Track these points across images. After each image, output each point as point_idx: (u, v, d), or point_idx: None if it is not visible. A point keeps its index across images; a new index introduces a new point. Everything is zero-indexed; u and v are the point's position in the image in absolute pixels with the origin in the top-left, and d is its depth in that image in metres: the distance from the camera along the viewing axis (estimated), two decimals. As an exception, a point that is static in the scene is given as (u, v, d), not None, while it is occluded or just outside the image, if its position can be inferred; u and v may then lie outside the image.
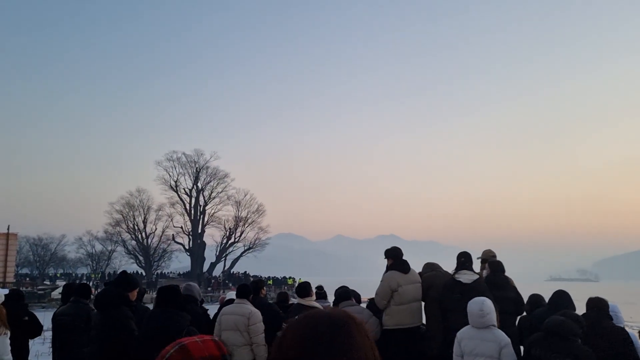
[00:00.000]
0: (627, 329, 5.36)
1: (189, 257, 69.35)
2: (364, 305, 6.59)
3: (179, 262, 76.80)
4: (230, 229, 69.88)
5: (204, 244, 69.17)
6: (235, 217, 70.18)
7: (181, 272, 72.46)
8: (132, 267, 67.89)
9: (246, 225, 70.46)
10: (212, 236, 70.76)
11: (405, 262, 6.06)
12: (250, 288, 6.15)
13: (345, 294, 6.13)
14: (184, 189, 69.10)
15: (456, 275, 5.82)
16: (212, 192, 70.39)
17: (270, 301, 7.31)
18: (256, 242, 70.98)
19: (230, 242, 69.94)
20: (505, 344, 4.33)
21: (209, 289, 55.69)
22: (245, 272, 67.15)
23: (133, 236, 66.14)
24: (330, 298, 7.11)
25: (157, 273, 67.25)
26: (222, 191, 70.59)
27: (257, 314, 5.83)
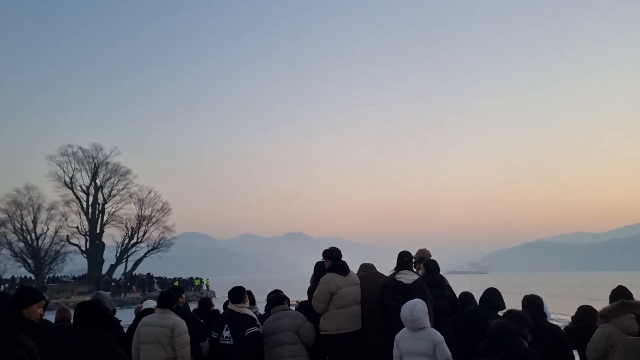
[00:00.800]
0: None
1: (85, 260, 64.84)
2: (293, 308, 6.21)
3: (74, 265, 71.72)
4: (132, 228, 66.59)
5: (102, 245, 65.12)
6: (138, 215, 66.94)
7: (76, 276, 67.43)
8: (19, 272, 62.13)
9: (150, 225, 67.39)
10: (112, 236, 66.70)
11: (344, 263, 5.73)
12: (174, 296, 5.50)
13: (278, 298, 5.70)
14: (80, 186, 64.61)
15: (397, 276, 5.60)
16: (112, 190, 66.66)
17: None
18: (161, 241, 68.10)
19: (132, 242, 66.51)
20: (438, 341, 4.48)
21: (109, 292, 52.28)
22: (149, 273, 64.00)
23: (21, 237, 60.38)
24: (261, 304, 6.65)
25: (49, 277, 62.08)
26: (123, 188, 67.07)
27: (182, 324, 5.19)
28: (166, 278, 63.01)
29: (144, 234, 67.22)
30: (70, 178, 63.67)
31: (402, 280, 5.51)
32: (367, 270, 6.06)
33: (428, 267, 6.12)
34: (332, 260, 5.71)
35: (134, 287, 56.73)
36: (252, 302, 6.71)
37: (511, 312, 4.79)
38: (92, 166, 65.00)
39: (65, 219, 63.02)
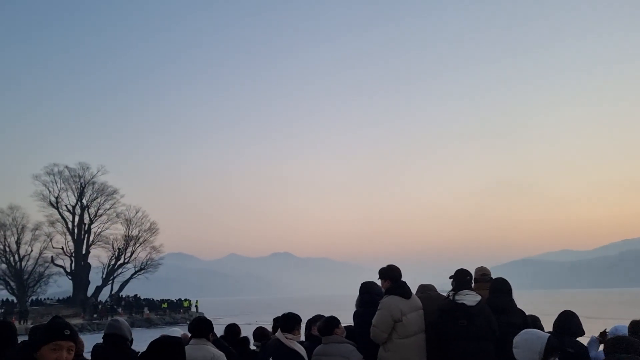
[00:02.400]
0: None
1: (70, 281, 62.89)
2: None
3: (58, 287, 69.48)
4: (119, 248, 64.84)
5: (88, 266, 63.40)
6: (125, 236, 65.27)
7: (61, 298, 65.38)
8: (1, 294, 59.90)
9: (137, 245, 65.76)
10: (98, 257, 64.93)
11: (405, 284, 4.99)
12: (210, 323, 4.73)
13: (330, 324, 4.79)
14: (65, 205, 62.98)
15: (457, 297, 4.85)
16: (98, 209, 65.09)
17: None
18: (148, 262, 66.44)
19: (119, 263, 64.73)
20: None
21: (95, 315, 50.57)
22: (136, 295, 62.24)
23: (3, 259, 58.33)
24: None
25: (32, 299, 59.99)
26: (110, 208, 65.53)
27: (222, 357, 4.45)
28: (154, 300, 61.30)
29: (131, 254, 65.64)
30: (56, 198, 62.19)
31: (464, 302, 4.80)
32: (425, 292, 5.33)
33: (494, 287, 5.28)
34: (391, 281, 4.97)
35: (120, 310, 54.98)
36: (235, 334, 5.97)
37: (626, 341, 4.02)
38: (79, 185, 63.68)
39: (50, 240, 61.24)
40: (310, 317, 5.69)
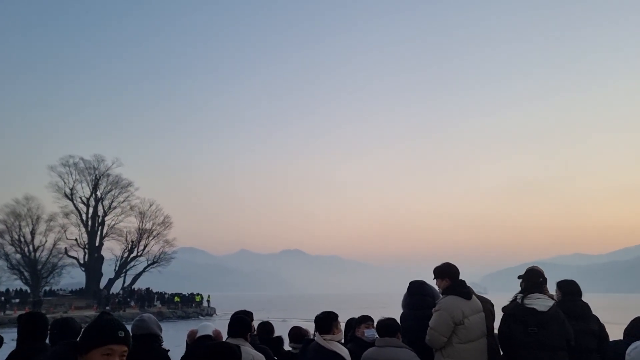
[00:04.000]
0: None
1: (83, 273, 63.15)
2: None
3: (71, 278, 69.79)
4: (132, 241, 64.87)
5: (101, 258, 63.62)
6: (139, 229, 65.34)
7: (74, 289, 65.68)
8: (15, 284, 60.30)
9: (151, 238, 65.78)
10: (111, 249, 65.15)
11: (465, 283, 4.48)
12: (249, 322, 4.27)
13: (390, 327, 4.28)
14: (80, 197, 63.18)
15: (527, 301, 4.31)
16: (112, 202, 65.21)
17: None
18: (161, 255, 66.41)
19: (132, 255, 64.84)
20: None
21: (107, 307, 50.54)
22: (149, 288, 62.29)
23: (18, 249, 58.66)
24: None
25: (45, 290, 60.30)
26: (124, 201, 65.66)
27: (259, 356, 3.99)
28: (166, 293, 61.31)
29: (144, 247, 65.73)
30: (71, 189, 62.44)
31: (534, 306, 4.25)
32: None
33: (566, 289, 4.73)
34: (450, 279, 4.46)
35: (132, 303, 54.99)
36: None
37: None
38: (93, 177, 63.78)
39: (64, 231, 61.55)
40: (351, 317, 5.20)
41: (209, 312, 58.30)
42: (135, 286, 64.56)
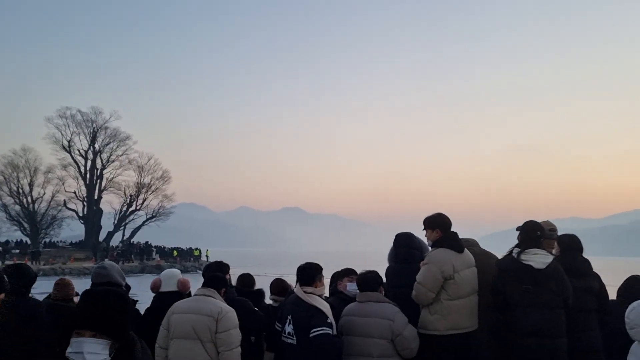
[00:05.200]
0: None
1: (82, 225, 63.51)
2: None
3: (71, 230, 70.41)
4: (131, 195, 65.04)
5: (100, 211, 63.81)
6: (137, 183, 65.33)
7: (73, 242, 66.23)
8: (15, 235, 60.82)
9: (149, 192, 65.85)
10: (110, 203, 65.33)
11: (457, 235, 4.12)
12: (222, 277, 3.98)
13: (372, 279, 3.96)
14: (78, 150, 62.74)
15: (523, 257, 3.95)
16: (111, 155, 64.84)
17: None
18: (160, 210, 66.65)
19: (130, 209, 65.08)
20: None
21: (106, 260, 50.98)
22: (147, 242, 62.69)
23: (17, 200, 58.83)
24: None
25: (45, 242, 60.82)
26: (122, 154, 65.27)
27: (232, 315, 3.70)
28: (165, 247, 61.81)
29: (143, 201, 65.86)
30: (68, 141, 61.84)
31: (531, 263, 3.91)
32: (467, 247, 4.42)
33: (565, 244, 4.33)
34: (441, 231, 4.09)
35: (131, 256, 55.49)
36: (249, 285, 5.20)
37: None
38: (91, 130, 63.11)
39: (63, 183, 61.62)
40: (336, 270, 4.87)
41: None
42: (135, 239, 65.00)
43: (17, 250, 52.89)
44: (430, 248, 4.21)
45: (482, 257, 4.33)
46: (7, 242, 54.94)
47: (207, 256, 62.24)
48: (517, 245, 4.09)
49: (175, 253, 59.13)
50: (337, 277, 4.63)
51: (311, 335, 3.69)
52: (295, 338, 3.81)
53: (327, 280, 4.79)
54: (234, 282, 5.20)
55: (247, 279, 5.27)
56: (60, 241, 65.23)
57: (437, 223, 4.13)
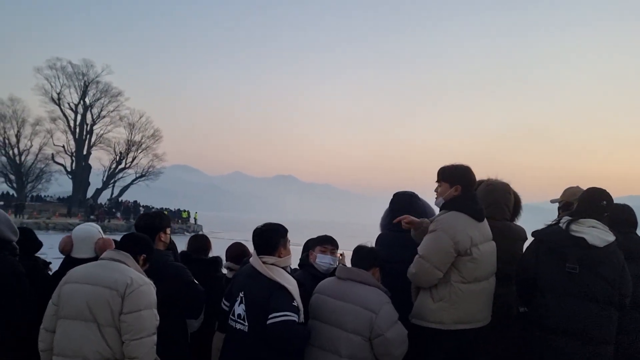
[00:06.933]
0: None
1: (70, 181, 62.26)
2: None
3: (59, 186, 69.29)
4: (121, 153, 63.65)
5: (89, 167, 62.51)
6: (128, 140, 63.90)
7: (61, 197, 65.08)
8: (1, 187, 59.56)
9: (139, 151, 64.51)
10: (100, 159, 64.04)
11: (477, 198, 2.98)
12: (145, 241, 2.86)
13: (367, 256, 2.90)
14: (68, 103, 60.85)
15: (574, 227, 2.84)
16: (102, 110, 63.10)
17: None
18: (150, 169, 65.38)
19: (120, 167, 63.79)
20: None
21: (92, 217, 49.99)
22: (136, 201, 61.63)
23: (3, 151, 57.31)
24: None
25: (32, 196, 59.63)
26: (113, 110, 63.57)
27: (145, 289, 2.62)
28: (153, 207, 60.76)
29: (133, 159, 64.48)
30: (58, 94, 59.85)
31: (584, 236, 2.79)
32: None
33: (618, 218, 3.16)
34: (462, 189, 2.92)
35: (118, 214, 54.43)
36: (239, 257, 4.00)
37: None
38: (82, 83, 61.11)
39: (51, 136, 59.95)
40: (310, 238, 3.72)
41: (195, 229, 57.95)
42: (123, 198, 63.97)
43: (2, 202, 51.80)
44: (438, 211, 3.07)
45: (503, 229, 3.23)
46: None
47: (195, 219, 61.34)
48: (566, 212, 2.98)
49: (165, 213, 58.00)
50: (310, 245, 3.48)
51: (269, 321, 2.63)
52: (246, 323, 2.75)
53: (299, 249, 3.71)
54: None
55: (199, 242, 4.11)
56: (48, 196, 64.17)
57: (460, 177, 2.96)
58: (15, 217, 43.62)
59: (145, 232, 3.06)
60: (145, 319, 2.53)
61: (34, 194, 61.07)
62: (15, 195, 56.60)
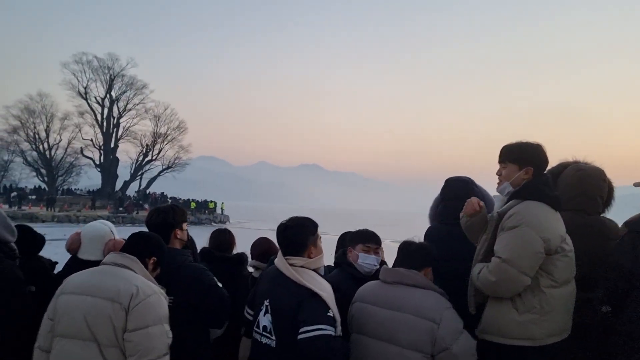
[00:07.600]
0: None
1: (99, 174, 63.20)
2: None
3: (89, 179, 70.43)
4: (147, 145, 64.28)
5: (117, 160, 63.36)
6: (154, 132, 64.41)
7: (91, 190, 66.18)
8: (33, 181, 60.97)
9: (165, 143, 65.00)
10: (127, 152, 65.17)
11: (549, 181, 2.47)
12: (155, 242, 2.40)
13: (419, 254, 2.41)
14: (95, 97, 61.68)
15: None
16: (127, 104, 63.75)
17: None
18: (176, 161, 65.87)
19: (147, 159, 64.46)
20: None
21: (121, 209, 50.61)
22: (163, 193, 62.22)
23: (33, 146, 58.41)
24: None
25: (63, 189, 60.74)
26: (139, 103, 64.17)
27: (154, 300, 2.18)
28: (180, 199, 61.17)
29: (159, 151, 65.03)
30: (85, 88, 60.66)
31: None
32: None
33: None
34: (534, 170, 2.41)
35: (146, 206, 54.98)
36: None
37: None
38: (108, 77, 61.79)
39: (79, 130, 60.89)
40: (347, 231, 3.24)
41: (222, 220, 58.21)
42: (150, 190, 64.66)
43: (34, 197, 52.87)
44: (502, 201, 2.53)
45: (596, 226, 2.68)
46: (21, 188, 54.89)
47: (222, 209, 61.55)
48: None
49: (193, 205, 58.29)
50: (348, 241, 2.98)
51: (300, 336, 2.18)
52: (273, 337, 2.30)
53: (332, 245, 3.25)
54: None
55: (222, 237, 3.64)
56: (78, 189, 65.34)
57: (531, 157, 2.43)
58: (47, 211, 44.46)
59: (159, 231, 2.64)
60: (154, 337, 2.11)
61: (65, 187, 62.17)
62: (46, 189, 57.76)
